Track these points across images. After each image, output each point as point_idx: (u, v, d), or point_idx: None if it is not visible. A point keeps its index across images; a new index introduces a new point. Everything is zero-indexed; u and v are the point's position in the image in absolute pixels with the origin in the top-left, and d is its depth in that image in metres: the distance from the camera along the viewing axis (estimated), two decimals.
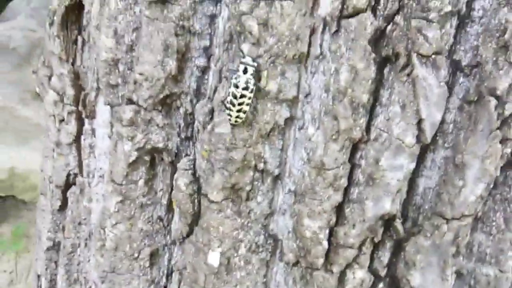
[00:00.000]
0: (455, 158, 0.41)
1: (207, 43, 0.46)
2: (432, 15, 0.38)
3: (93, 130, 0.58)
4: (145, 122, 0.48)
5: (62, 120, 0.60)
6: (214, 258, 0.47)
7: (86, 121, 0.58)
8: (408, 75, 0.40)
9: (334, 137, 0.42)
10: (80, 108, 0.57)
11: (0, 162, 1.68)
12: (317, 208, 0.43)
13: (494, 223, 0.43)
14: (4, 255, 1.54)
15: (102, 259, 0.54)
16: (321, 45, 0.42)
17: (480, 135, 0.40)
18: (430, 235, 0.43)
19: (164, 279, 0.56)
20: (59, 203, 0.65)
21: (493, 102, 0.39)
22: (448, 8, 0.37)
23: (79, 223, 0.62)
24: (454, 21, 0.39)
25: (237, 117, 0.42)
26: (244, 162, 0.44)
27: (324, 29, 0.41)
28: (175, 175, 0.48)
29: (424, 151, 0.43)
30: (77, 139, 0.60)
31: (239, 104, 0.42)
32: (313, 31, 0.42)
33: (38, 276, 0.73)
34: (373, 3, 0.39)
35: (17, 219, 1.62)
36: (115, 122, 0.50)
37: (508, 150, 0.40)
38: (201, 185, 0.47)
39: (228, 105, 0.42)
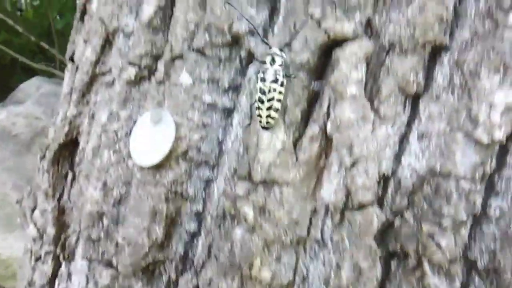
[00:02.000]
0: None
1: (200, 208, 0.43)
2: (446, 223, 0.34)
3: (69, 275, 0.53)
4: None
5: (38, 259, 0.55)
6: None
7: (63, 263, 0.54)
8: (419, 280, 0.35)
9: None
10: (58, 249, 0.53)
11: None
12: None
13: None
14: None
15: None
16: (322, 230, 0.38)
17: None
18: None
19: None
20: None
21: None
22: (463, 217, 0.34)
23: None
24: (469, 222, 0.36)
25: (268, 116, 0.36)
26: None
27: (326, 213, 0.38)
28: None
29: None
30: (51, 282, 0.55)
31: (269, 100, 0.36)
32: (314, 212, 0.39)
33: None
34: (379, 195, 0.37)
35: None
36: (91, 283, 0.45)
37: None
38: None
39: (257, 105, 0.37)
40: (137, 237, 0.42)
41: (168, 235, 0.42)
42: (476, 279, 0.37)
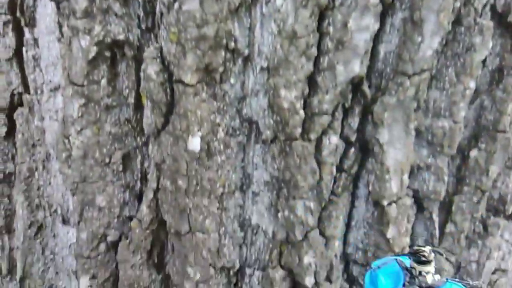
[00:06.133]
0: (413, 16, 0.45)
1: None
2: None
3: (35, 40, 0.53)
4: (102, 12, 0.45)
5: None
6: (194, 144, 0.47)
7: (26, 30, 0.53)
8: None
9: (303, 3, 0.43)
10: (18, 15, 0.52)
11: None
12: (292, 78, 0.45)
13: (446, 78, 0.48)
14: None
15: (70, 170, 0.52)
16: None
17: None
18: (395, 92, 0.47)
19: (138, 183, 0.55)
20: (4, 129, 0.60)
21: None
22: None
23: (33, 145, 0.58)
24: None
25: None
26: (216, 39, 0.44)
27: None
28: (142, 66, 0.47)
29: (383, 15, 0.46)
30: (17, 53, 0.55)
31: None
32: None
33: None
34: None
35: None
36: (67, 18, 0.46)
37: (458, 4, 0.44)
38: (173, 71, 0.46)
39: None
40: None
41: None
42: None
